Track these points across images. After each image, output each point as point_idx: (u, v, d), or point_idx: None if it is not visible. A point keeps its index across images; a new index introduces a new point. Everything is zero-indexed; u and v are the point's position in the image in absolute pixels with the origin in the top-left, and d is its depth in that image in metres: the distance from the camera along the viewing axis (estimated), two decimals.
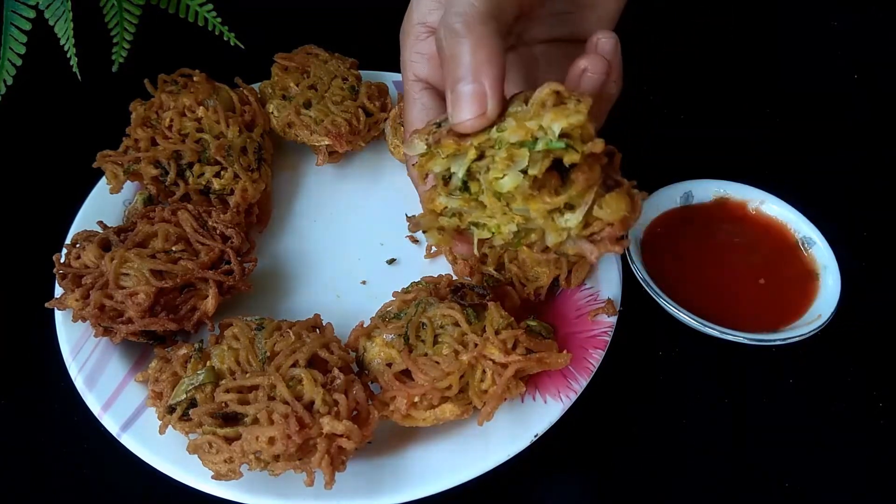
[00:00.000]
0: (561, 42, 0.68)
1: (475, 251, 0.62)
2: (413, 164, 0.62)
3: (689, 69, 1.13)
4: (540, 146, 0.53)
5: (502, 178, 0.55)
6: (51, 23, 0.82)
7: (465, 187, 0.58)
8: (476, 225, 0.60)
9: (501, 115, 0.56)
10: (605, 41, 0.60)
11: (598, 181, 0.56)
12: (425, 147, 0.58)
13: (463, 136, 0.56)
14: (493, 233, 0.59)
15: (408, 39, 0.65)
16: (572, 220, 0.57)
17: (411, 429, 0.64)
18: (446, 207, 0.59)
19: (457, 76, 0.54)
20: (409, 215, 0.63)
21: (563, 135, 0.53)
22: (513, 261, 0.73)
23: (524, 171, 0.54)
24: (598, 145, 0.53)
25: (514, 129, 0.53)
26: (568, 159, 0.53)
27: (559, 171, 0.56)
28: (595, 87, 0.59)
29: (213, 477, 0.58)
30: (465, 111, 0.54)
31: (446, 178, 0.58)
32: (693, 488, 0.70)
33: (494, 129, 0.55)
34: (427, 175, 0.60)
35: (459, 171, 0.56)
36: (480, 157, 0.56)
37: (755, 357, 0.78)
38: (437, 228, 0.61)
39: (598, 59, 0.58)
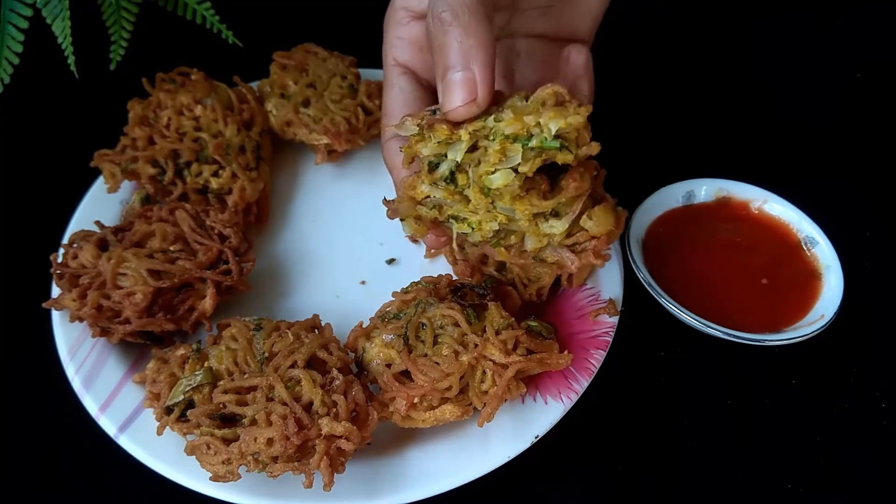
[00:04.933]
0: (543, 38, 0.68)
1: (453, 244, 0.61)
2: (401, 148, 0.61)
3: (691, 68, 1.12)
4: (534, 143, 0.53)
5: (493, 172, 0.55)
6: (48, 21, 0.82)
7: (451, 178, 0.57)
8: (455, 219, 0.59)
9: (498, 104, 0.55)
10: (576, 55, 0.61)
11: (588, 191, 0.56)
12: (416, 129, 0.57)
13: (457, 124, 0.55)
14: (472, 228, 0.59)
15: (390, 24, 0.66)
16: (557, 227, 0.57)
17: (411, 430, 0.64)
18: (427, 196, 0.59)
19: (447, 64, 0.54)
20: (387, 199, 0.61)
21: (558, 136, 0.53)
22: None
23: (515, 170, 0.54)
24: (594, 148, 0.53)
25: (510, 121, 0.53)
26: (561, 159, 0.53)
27: (550, 178, 0.56)
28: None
29: (211, 478, 0.58)
30: (456, 97, 0.54)
31: (433, 165, 0.57)
32: (695, 489, 0.69)
33: (492, 117, 0.55)
34: (413, 160, 0.59)
35: (457, 155, 0.56)
36: (473, 148, 0.56)
37: (757, 357, 0.77)
38: (414, 217, 0.60)
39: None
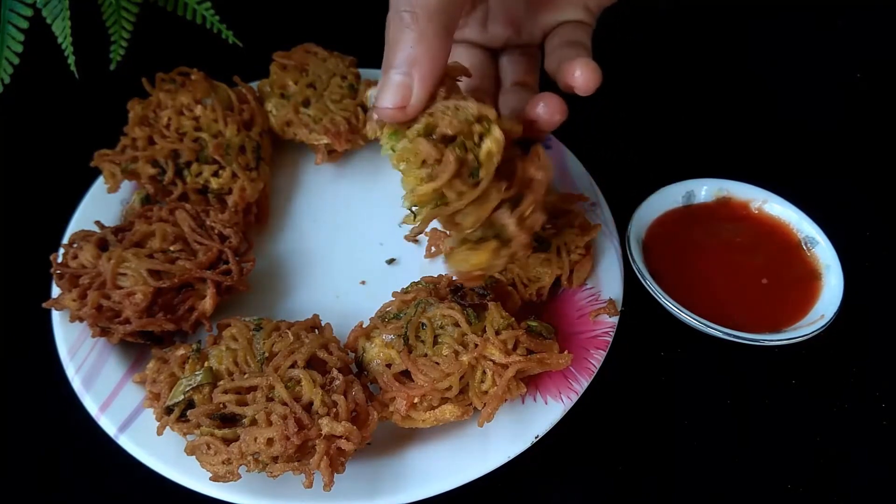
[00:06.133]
0: None
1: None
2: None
3: (691, 68, 1.12)
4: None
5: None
6: (48, 21, 0.82)
7: None
8: None
9: (429, 106, 0.57)
10: (583, 79, 0.60)
11: (486, 215, 0.58)
12: (374, 133, 0.62)
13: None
14: None
15: None
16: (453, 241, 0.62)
17: (411, 430, 0.64)
18: None
19: (390, 62, 0.55)
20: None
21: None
22: (515, 261, 0.72)
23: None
24: (415, 234, 0.61)
25: (398, 170, 0.58)
26: (412, 235, 0.61)
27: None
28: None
29: (211, 478, 0.58)
30: (387, 99, 0.56)
31: None
32: (695, 490, 0.69)
33: (395, 155, 0.58)
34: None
35: (389, 166, 0.60)
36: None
37: (757, 358, 0.77)
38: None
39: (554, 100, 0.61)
